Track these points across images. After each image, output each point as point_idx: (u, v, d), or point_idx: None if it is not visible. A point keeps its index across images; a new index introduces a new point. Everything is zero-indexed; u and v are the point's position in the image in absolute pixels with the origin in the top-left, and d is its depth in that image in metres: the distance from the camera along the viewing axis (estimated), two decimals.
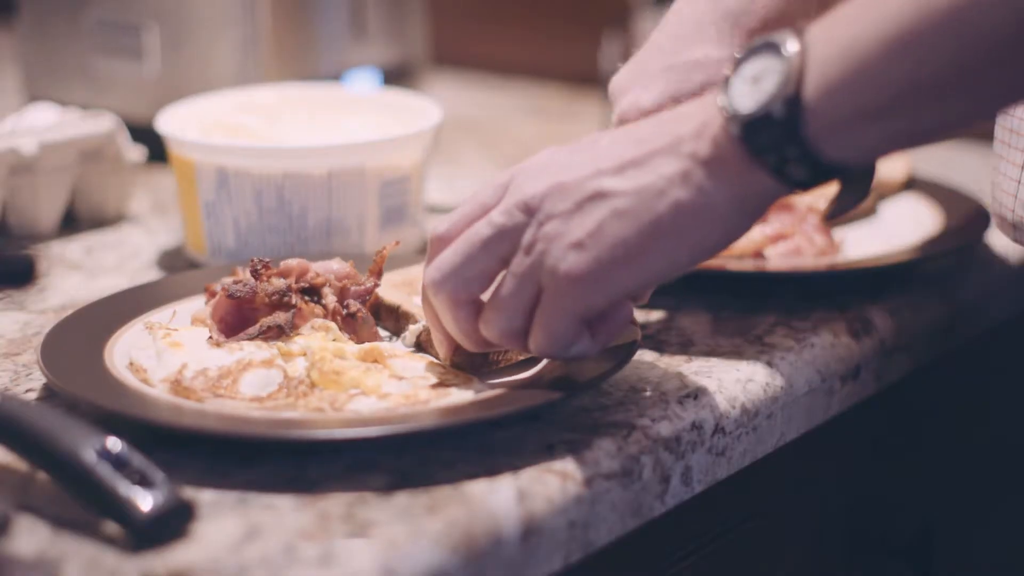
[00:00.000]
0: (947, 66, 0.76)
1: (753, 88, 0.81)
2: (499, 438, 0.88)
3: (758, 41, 0.82)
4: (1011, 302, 1.25)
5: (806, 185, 0.81)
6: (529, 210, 0.86)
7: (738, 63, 0.82)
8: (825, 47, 0.79)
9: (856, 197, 1.00)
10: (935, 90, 0.78)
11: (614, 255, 0.84)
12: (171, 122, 1.20)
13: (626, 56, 1.04)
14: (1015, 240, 1.03)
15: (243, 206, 1.15)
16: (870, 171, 0.99)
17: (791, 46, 0.80)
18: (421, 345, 0.99)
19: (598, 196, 0.85)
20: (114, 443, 0.79)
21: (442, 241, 0.90)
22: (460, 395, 0.90)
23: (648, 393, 0.95)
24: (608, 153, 0.86)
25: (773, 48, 0.81)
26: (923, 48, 0.76)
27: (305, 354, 0.93)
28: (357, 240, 1.17)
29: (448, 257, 0.89)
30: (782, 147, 0.80)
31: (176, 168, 1.19)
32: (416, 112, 1.24)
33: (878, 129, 0.79)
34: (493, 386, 0.92)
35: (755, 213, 0.84)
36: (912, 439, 1.24)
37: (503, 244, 0.87)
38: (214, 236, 1.17)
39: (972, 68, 0.76)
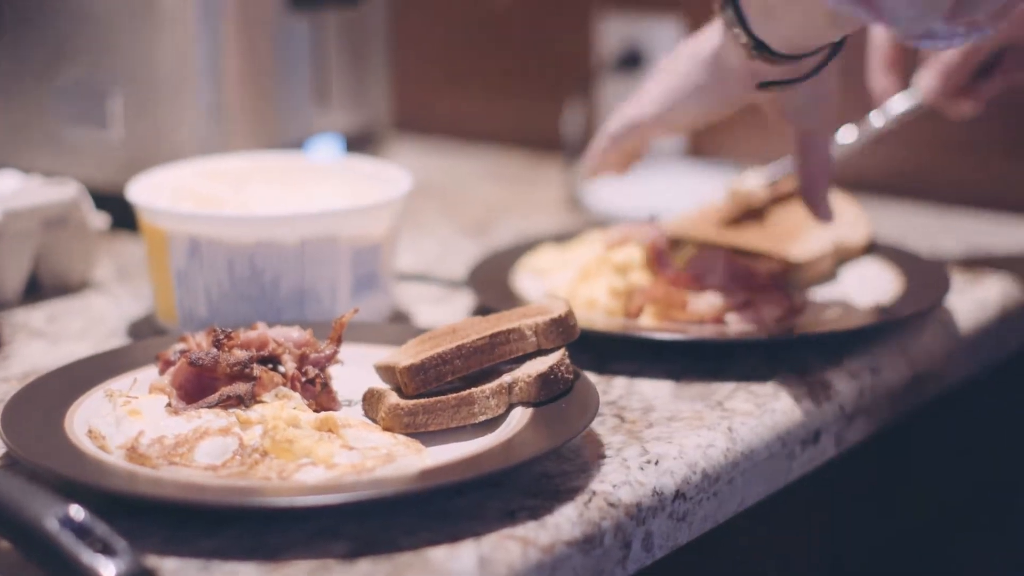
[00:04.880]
0: None
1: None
2: (461, 504, 0.88)
3: None
4: (969, 365, 1.26)
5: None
6: None
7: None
8: None
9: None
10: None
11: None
12: (142, 191, 1.20)
13: (588, 122, 1.06)
14: None
15: (215, 275, 1.15)
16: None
17: None
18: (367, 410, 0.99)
19: None
20: (77, 511, 0.79)
21: None
22: (407, 464, 0.90)
23: (609, 459, 0.96)
24: None
25: None
26: None
27: (263, 422, 0.93)
28: (329, 307, 1.17)
29: None
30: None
31: (147, 237, 1.19)
32: (385, 180, 1.25)
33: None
34: (446, 454, 0.92)
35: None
36: (874, 502, 1.24)
37: None
38: (185, 305, 1.17)
39: None
